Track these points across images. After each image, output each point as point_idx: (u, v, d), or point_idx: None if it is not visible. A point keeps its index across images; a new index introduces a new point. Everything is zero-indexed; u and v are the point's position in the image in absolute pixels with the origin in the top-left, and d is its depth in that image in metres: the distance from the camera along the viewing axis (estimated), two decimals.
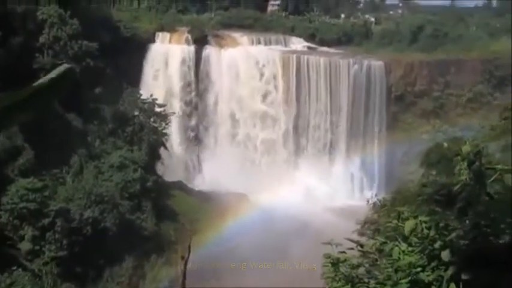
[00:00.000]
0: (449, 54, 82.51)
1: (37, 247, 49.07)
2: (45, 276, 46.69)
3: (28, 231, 49.27)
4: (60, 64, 3.81)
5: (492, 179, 6.48)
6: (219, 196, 68.91)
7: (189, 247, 29.17)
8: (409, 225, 6.71)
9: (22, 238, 48.90)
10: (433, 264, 6.53)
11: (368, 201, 37.97)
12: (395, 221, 7.10)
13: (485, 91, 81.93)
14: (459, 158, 6.51)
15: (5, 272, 41.86)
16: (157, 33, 78.28)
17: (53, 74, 3.58)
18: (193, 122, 78.25)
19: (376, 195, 42.61)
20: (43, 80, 3.53)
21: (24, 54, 58.32)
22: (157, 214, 60.55)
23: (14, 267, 42.73)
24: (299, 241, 57.06)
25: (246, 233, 60.83)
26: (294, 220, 65.11)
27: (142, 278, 54.37)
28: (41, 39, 62.43)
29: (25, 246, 48.40)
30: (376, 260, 7.33)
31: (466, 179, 6.48)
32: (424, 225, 6.70)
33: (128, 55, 71.34)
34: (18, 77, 43.25)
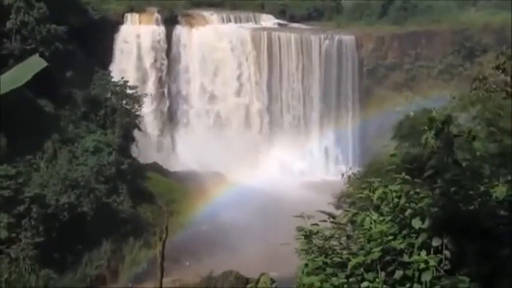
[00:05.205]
0: (419, 26, 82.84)
1: (13, 234, 48.77)
2: (23, 262, 46.46)
3: (4, 219, 48.91)
4: (29, 49, 3.80)
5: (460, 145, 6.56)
6: (195, 176, 68.82)
7: (166, 228, 29.25)
8: (378, 193, 6.79)
9: None
10: (404, 232, 6.62)
11: (343, 175, 38.36)
12: (366, 192, 7.16)
13: (456, 62, 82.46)
14: (426, 127, 6.59)
15: None
16: (126, 15, 77.26)
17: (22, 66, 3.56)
18: (166, 102, 77.80)
19: (351, 168, 43.03)
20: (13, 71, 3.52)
21: None
22: (134, 196, 60.35)
23: None
24: (276, 217, 57.24)
25: (223, 211, 60.97)
26: (271, 197, 65.35)
27: (121, 261, 54.29)
28: (8, 25, 61.43)
29: (1, 233, 48.08)
30: (350, 231, 7.39)
31: (433, 147, 6.56)
32: (394, 194, 6.77)
33: (98, 38, 70.43)
34: None
